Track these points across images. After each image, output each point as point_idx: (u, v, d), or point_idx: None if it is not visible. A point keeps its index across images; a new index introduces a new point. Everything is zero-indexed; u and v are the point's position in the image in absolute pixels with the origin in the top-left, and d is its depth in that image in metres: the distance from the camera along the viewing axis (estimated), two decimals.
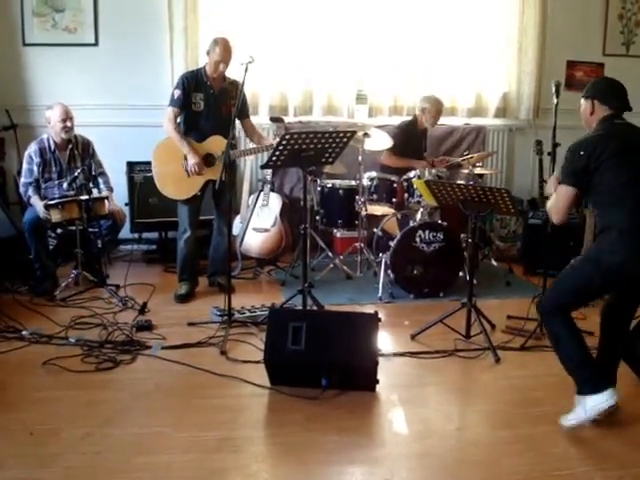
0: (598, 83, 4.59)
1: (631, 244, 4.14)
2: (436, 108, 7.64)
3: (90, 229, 6.67)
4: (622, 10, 8.91)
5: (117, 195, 7.21)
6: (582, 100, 4.55)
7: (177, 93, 6.42)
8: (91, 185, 6.66)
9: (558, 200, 4.37)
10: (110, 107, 8.01)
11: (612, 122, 4.37)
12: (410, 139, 7.66)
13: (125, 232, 7.47)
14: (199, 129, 6.51)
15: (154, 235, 8.15)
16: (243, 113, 6.68)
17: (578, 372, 4.34)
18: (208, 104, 6.48)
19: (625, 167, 4.20)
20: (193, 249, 6.70)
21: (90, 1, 7.91)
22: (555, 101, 5.72)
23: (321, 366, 4.68)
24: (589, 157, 4.20)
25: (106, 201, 6.69)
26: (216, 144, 6.39)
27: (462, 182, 6.65)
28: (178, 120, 6.54)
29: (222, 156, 6.05)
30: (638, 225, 4.14)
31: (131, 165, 7.78)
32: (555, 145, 5.74)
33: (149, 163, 6.64)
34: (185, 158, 6.42)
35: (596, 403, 4.21)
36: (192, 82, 6.45)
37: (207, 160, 6.46)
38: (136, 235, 7.99)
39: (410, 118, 7.87)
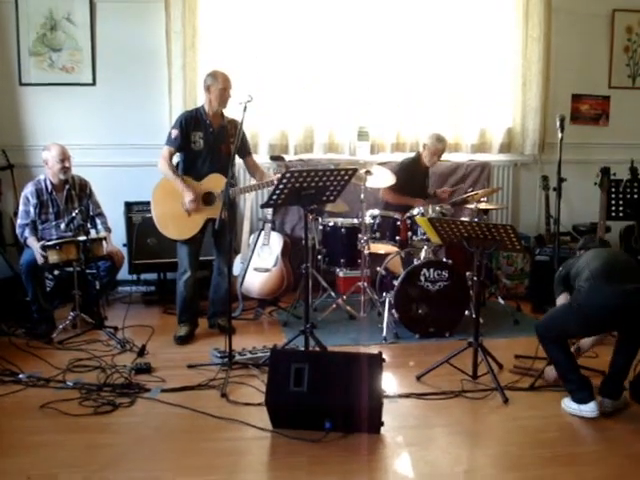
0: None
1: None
2: (435, 147, 7.59)
3: (88, 270, 6.65)
4: (628, 42, 8.94)
5: (115, 236, 7.15)
6: None
7: (174, 133, 6.38)
8: (89, 226, 6.67)
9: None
10: (108, 147, 8.01)
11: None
12: (412, 177, 7.62)
13: (123, 273, 7.38)
14: (198, 168, 6.45)
15: (153, 276, 8.10)
16: (244, 151, 6.64)
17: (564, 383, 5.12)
18: (207, 143, 6.43)
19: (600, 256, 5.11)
20: (193, 290, 6.62)
21: (87, 40, 7.93)
22: (560, 135, 5.64)
23: (324, 408, 4.61)
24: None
25: (104, 242, 6.64)
26: (215, 182, 6.32)
27: (466, 219, 6.59)
28: (176, 160, 6.50)
29: (222, 194, 5.99)
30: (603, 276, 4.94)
31: (129, 205, 7.74)
32: (561, 180, 5.67)
33: (147, 203, 6.59)
34: None
35: (579, 411, 4.95)
36: (191, 121, 6.41)
37: (207, 199, 6.39)
38: (134, 276, 7.91)
39: (413, 155, 7.84)
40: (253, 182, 6.74)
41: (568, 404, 5.00)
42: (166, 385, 5.43)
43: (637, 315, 4.82)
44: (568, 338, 5.12)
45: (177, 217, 6.37)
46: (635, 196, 6.99)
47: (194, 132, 6.40)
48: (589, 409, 4.88)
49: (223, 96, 6.37)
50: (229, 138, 6.43)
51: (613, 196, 7.03)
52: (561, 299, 5.28)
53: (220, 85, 6.32)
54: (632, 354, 5.00)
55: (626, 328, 4.95)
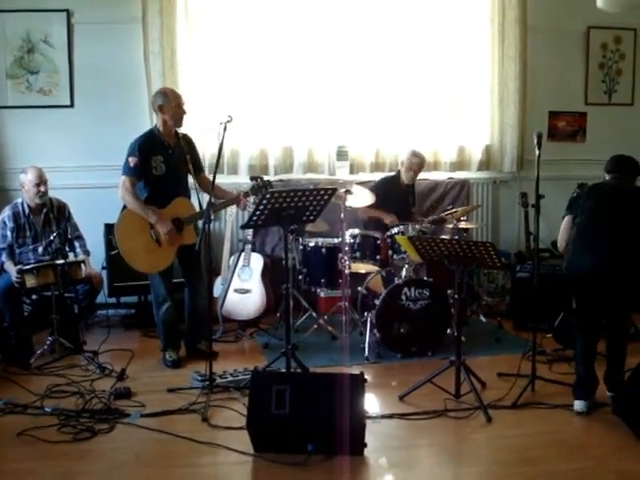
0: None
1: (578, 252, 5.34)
2: (409, 161, 7.70)
3: (66, 294, 6.56)
4: (603, 59, 9.01)
5: (94, 258, 7.07)
6: None
7: (133, 161, 6.11)
8: (67, 249, 6.59)
9: (561, 228, 5.55)
10: (86, 169, 7.94)
11: (608, 179, 5.56)
12: (390, 193, 7.64)
13: (103, 296, 7.27)
14: (162, 194, 6.24)
15: (132, 299, 8.01)
16: (197, 167, 6.49)
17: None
18: (169, 166, 6.23)
19: (594, 210, 5.33)
20: (174, 315, 6.50)
21: (65, 62, 7.88)
22: (537, 152, 5.64)
23: (306, 430, 4.57)
24: (581, 195, 5.53)
25: (82, 265, 6.58)
26: (182, 207, 6.25)
27: (446, 237, 6.57)
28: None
29: (190, 218, 5.95)
30: (584, 243, 5.31)
31: (108, 227, 7.58)
32: (539, 197, 5.66)
33: None
34: (151, 227, 6.19)
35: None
36: (149, 146, 6.18)
37: (176, 226, 6.22)
38: (114, 299, 7.83)
39: (393, 173, 7.86)
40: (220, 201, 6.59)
41: None
42: (146, 410, 5.36)
43: (610, 287, 5.18)
44: (584, 313, 5.40)
45: (148, 250, 6.19)
46: None
47: (154, 157, 6.18)
48: (575, 405, 5.27)
49: (178, 113, 6.21)
50: (185, 155, 6.29)
51: None
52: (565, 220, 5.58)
53: (173, 103, 6.17)
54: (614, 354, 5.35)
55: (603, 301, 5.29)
